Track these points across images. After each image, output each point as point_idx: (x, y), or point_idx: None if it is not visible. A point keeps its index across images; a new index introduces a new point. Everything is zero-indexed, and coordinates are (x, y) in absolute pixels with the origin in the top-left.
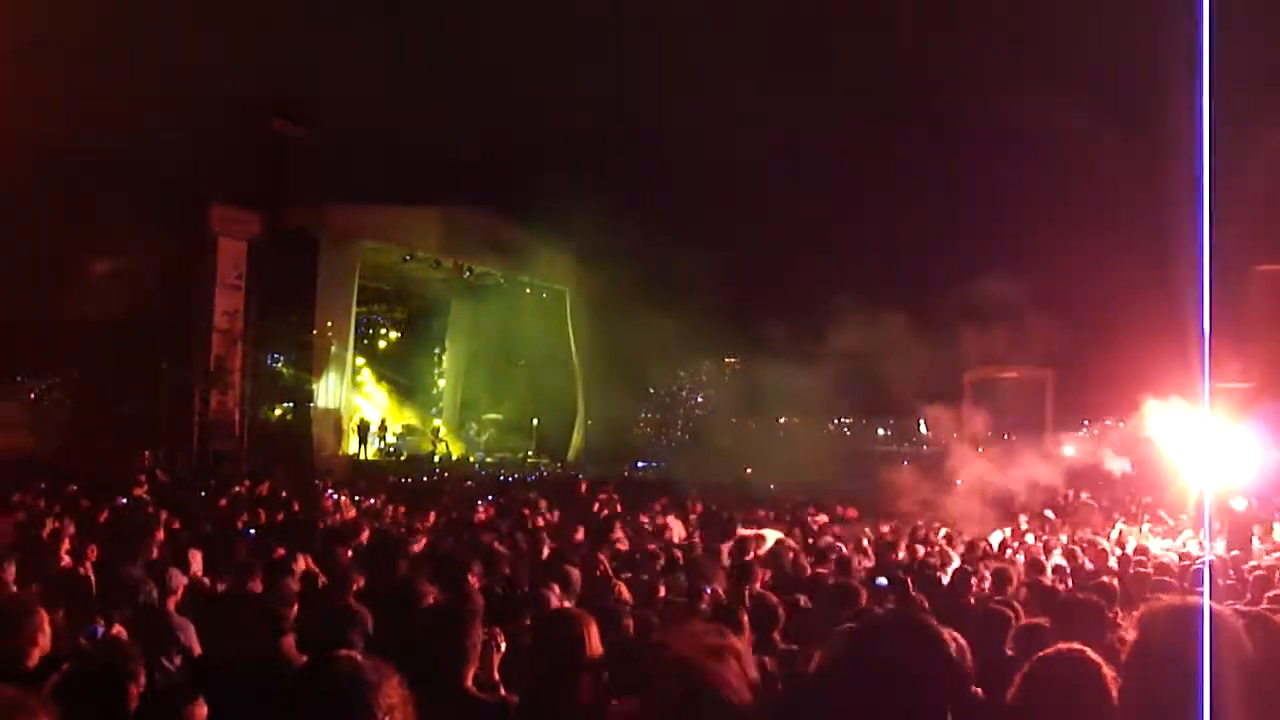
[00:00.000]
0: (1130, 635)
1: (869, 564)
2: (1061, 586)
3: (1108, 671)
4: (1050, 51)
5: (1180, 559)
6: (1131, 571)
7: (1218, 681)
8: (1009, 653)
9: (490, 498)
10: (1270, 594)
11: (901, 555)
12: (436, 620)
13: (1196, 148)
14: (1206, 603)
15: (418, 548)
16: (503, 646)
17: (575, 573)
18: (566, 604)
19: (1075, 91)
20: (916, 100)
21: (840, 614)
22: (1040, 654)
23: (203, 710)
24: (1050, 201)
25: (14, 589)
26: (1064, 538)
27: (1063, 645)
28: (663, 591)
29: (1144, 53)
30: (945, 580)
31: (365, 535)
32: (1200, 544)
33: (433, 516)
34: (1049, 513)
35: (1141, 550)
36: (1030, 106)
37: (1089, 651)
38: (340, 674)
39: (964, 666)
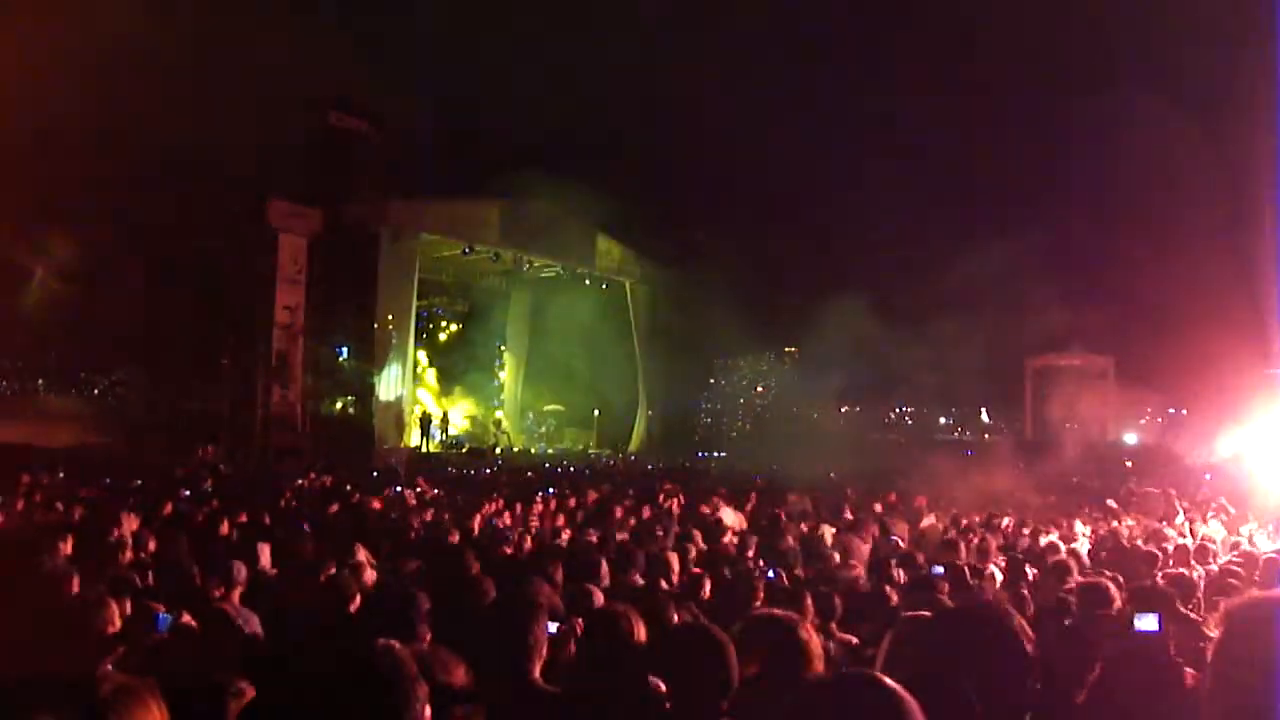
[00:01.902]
0: (1214, 632)
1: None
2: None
3: (1188, 670)
4: (1114, 34)
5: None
6: (1217, 565)
7: None
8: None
9: (549, 490)
10: None
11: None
12: (503, 613)
13: (1273, 130)
14: None
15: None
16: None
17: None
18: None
19: (1143, 75)
20: (977, 88)
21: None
22: (1118, 650)
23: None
24: (1117, 188)
25: (77, 584)
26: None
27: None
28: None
29: (1212, 33)
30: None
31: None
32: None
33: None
34: (1111, 502)
35: (1208, 540)
36: (1096, 91)
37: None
38: (378, 662)
39: (1035, 658)
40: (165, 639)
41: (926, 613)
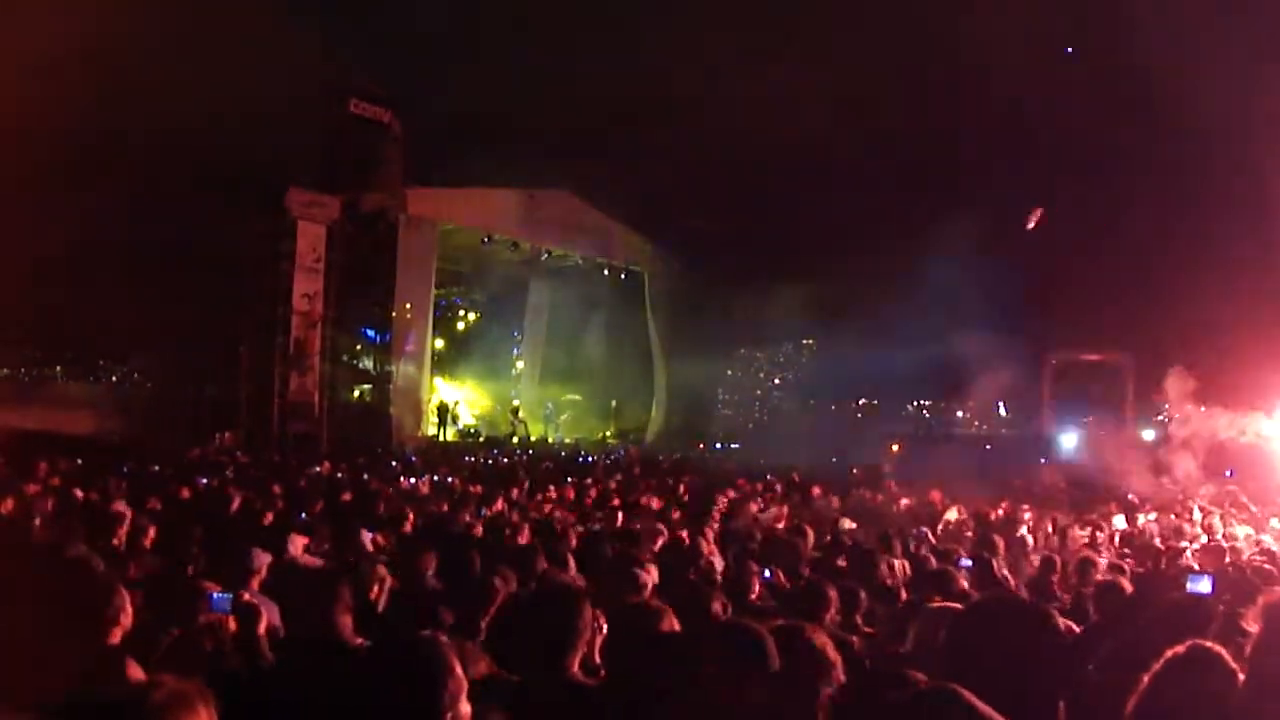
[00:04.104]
0: (1253, 628)
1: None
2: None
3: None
4: (1140, 21)
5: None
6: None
7: None
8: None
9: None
10: None
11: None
12: (544, 604)
13: None
14: None
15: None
16: (604, 629)
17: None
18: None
19: (1172, 67)
20: (998, 75)
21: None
22: (1170, 652)
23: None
24: (1142, 183)
25: (97, 570)
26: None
27: (1193, 642)
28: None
29: (1237, 27)
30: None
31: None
32: None
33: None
34: (1132, 496)
35: (1230, 538)
36: (1125, 79)
37: (1222, 650)
38: (413, 654)
39: (1072, 651)
40: (223, 619)
41: (955, 605)
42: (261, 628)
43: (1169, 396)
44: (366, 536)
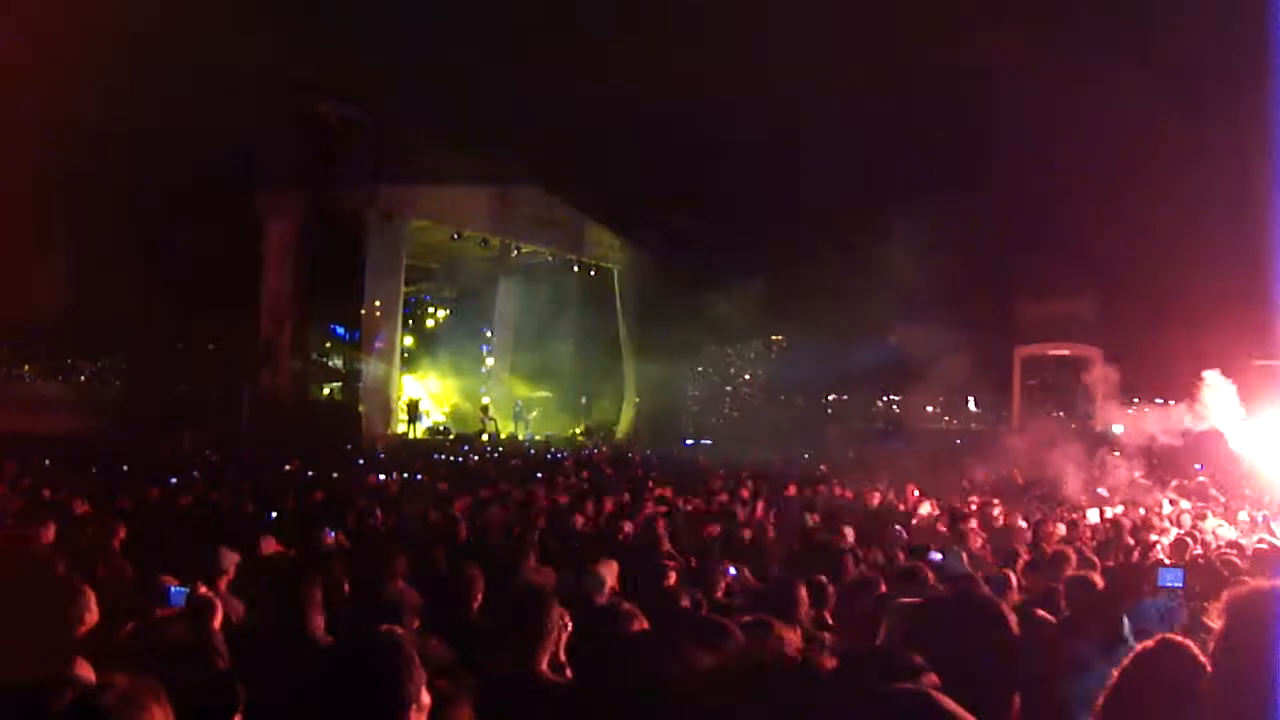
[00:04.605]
0: (1216, 623)
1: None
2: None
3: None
4: (1111, 21)
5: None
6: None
7: None
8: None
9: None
10: None
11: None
12: (513, 603)
13: (1272, 114)
14: None
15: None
16: (569, 627)
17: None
18: None
19: (1138, 64)
20: (971, 77)
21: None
22: (1140, 646)
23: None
24: (1105, 177)
25: (61, 570)
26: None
27: (1163, 636)
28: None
29: (1213, 11)
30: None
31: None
32: (1257, 523)
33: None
34: (1102, 490)
35: (1200, 530)
36: (1090, 76)
37: (1192, 644)
38: (374, 650)
39: (1023, 645)
40: (179, 612)
41: (917, 599)
42: (216, 622)
43: (1092, 390)
44: (329, 535)
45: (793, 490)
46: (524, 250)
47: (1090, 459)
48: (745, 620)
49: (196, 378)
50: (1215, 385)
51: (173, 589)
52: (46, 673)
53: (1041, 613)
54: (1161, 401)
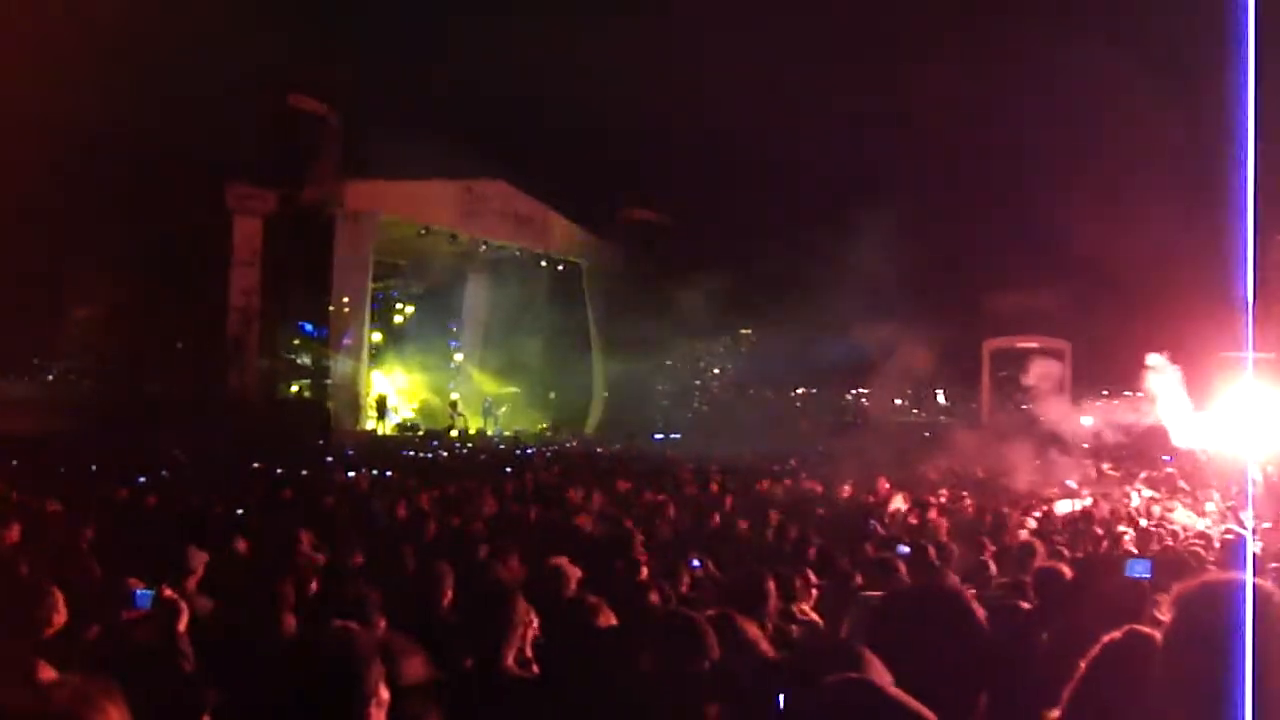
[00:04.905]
0: (1166, 615)
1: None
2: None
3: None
4: (1076, 11)
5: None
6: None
7: (1263, 664)
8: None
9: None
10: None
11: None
12: (479, 600)
13: (1238, 104)
14: (1249, 578)
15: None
16: (535, 623)
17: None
18: None
19: (1104, 48)
20: (934, 62)
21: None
22: (1108, 638)
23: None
24: (1071, 170)
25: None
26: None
27: (1130, 628)
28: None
29: (1169, 12)
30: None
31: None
32: (1225, 513)
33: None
34: (1071, 482)
35: (1166, 520)
36: (1056, 66)
37: (1158, 636)
38: (332, 645)
39: (992, 639)
40: (145, 615)
41: (880, 593)
42: (182, 625)
43: (1031, 383)
44: (304, 534)
45: (765, 485)
46: (492, 246)
47: (1044, 453)
48: (708, 614)
49: (164, 376)
50: (1159, 369)
51: (138, 592)
52: (6, 675)
53: (1010, 604)
54: (1130, 394)
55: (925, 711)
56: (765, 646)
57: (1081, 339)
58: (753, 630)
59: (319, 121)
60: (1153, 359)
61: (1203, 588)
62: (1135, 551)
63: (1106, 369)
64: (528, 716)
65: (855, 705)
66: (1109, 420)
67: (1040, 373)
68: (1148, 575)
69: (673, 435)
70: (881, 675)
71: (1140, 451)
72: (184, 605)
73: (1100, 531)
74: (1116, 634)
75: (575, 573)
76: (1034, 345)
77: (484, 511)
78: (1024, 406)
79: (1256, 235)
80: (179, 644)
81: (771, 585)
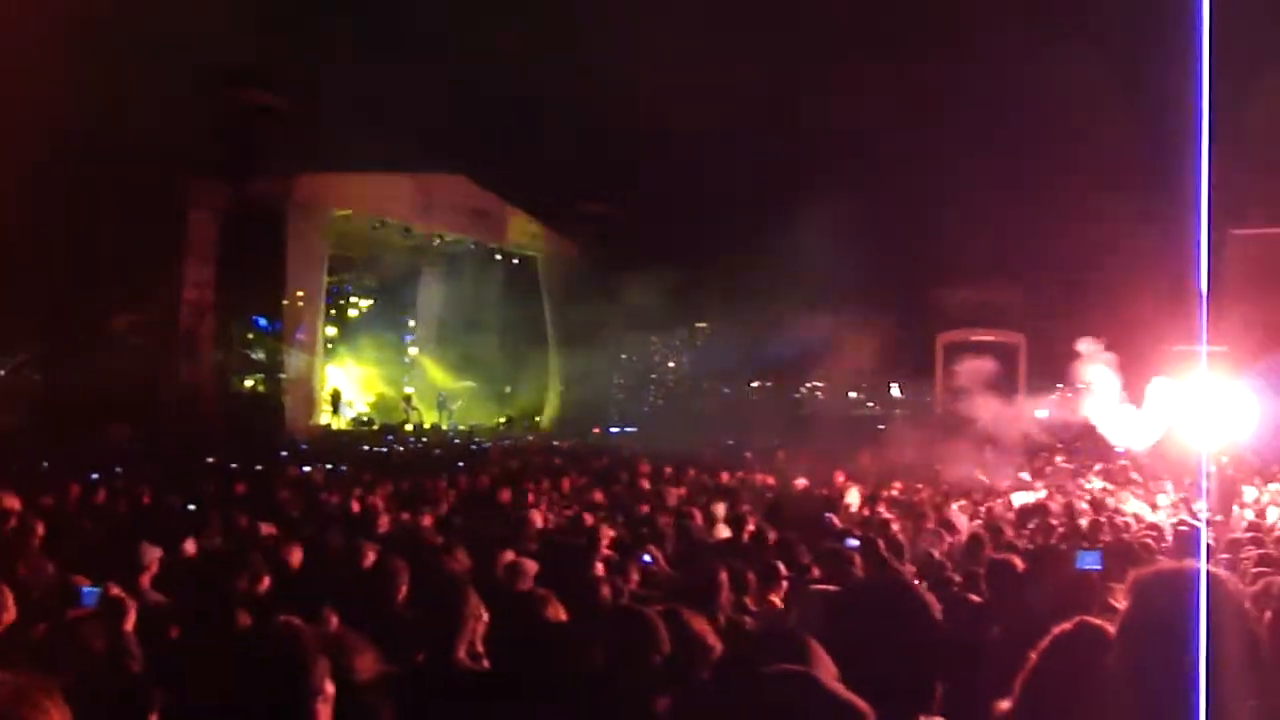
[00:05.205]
0: (1121, 604)
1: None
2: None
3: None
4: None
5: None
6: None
7: (1217, 651)
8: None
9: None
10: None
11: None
12: (430, 593)
13: (1194, 96)
14: (1203, 567)
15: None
16: (485, 616)
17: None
18: None
19: (1059, 37)
20: (886, 57)
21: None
22: (1058, 629)
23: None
24: (1027, 164)
25: None
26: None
27: (1080, 619)
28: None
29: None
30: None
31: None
32: (1178, 505)
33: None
34: (1025, 475)
35: (1119, 512)
36: (1009, 55)
37: (1109, 627)
38: (276, 641)
39: (945, 631)
40: (90, 613)
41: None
42: (129, 624)
43: (960, 379)
44: (263, 528)
45: (725, 478)
46: (446, 239)
47: (994, 446)
48: (657, 609)
49: (117, 371)
50: (1092, 355)
51: (85, 590)
52: None
53: (962, 596)
54: (1083, 386)
55: (860, 704)
56: (713, 640)
57: (1036, 332)
58: (699, 624)
59: (272, 114)
60: (1084, 345)
61: (1158, 575)
62: (1086, 543)
63: (1061, 362)
64: (479, 710)
65: (791, 697)
66: (1054, 414)
67: (979, 368)
68: (1098, 567)
69: (628, 429)
70: (826, 667)
71: (1094, 444)
72: (130, 604)
73: (1055, 523)
74: (1067, 625)
75: (532, 567)
76: (988, 338)
77: (439, 506)
78: (978, 400)
79: (1210, 229)
80: (125, 643)
81: (724, 578)
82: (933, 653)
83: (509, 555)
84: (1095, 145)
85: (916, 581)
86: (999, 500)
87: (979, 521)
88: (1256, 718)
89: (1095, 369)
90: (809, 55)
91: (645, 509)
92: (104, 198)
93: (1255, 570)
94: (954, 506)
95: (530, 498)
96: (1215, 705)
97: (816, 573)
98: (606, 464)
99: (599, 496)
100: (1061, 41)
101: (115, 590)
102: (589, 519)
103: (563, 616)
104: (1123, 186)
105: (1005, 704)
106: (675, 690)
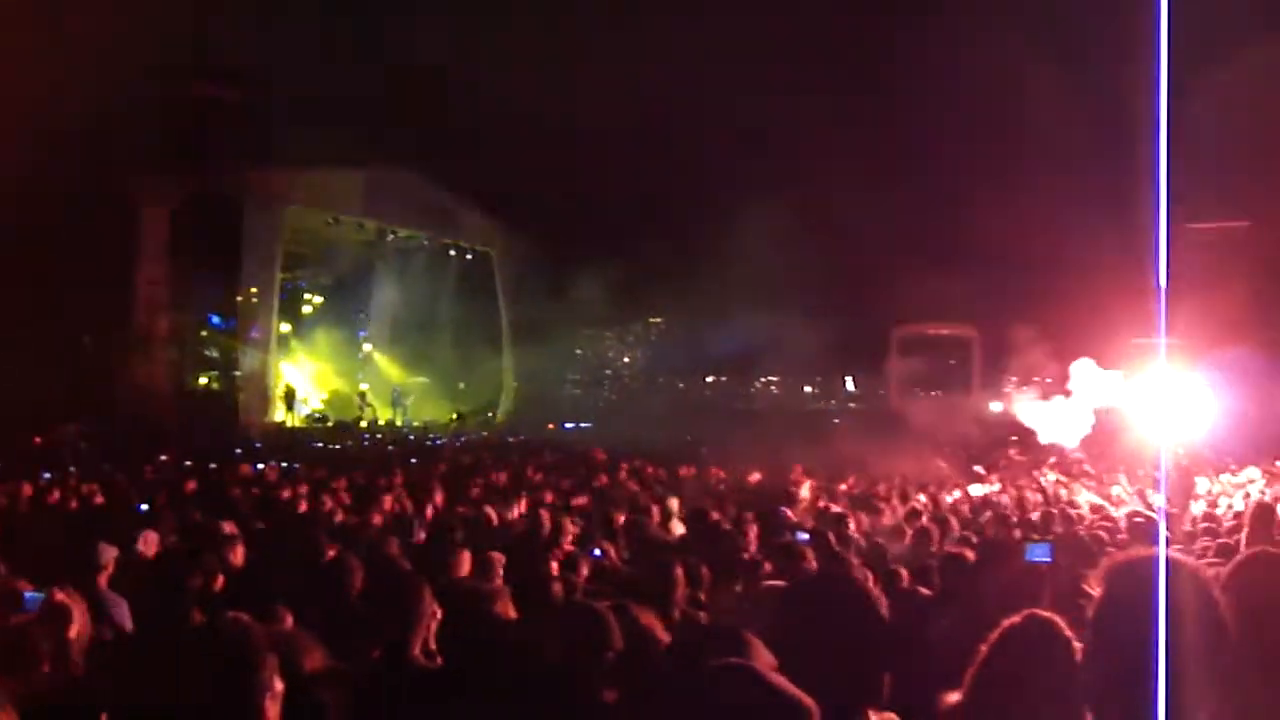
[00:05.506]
0: (1095, 591)
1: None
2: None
3: (1073, 637)
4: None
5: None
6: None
7: (1182, 636)
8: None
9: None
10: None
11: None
12: (388, 591)
13: (1150, 85)
14: (1162, 553)
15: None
16: (439, 614)
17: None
18: None
19: (1016, 40)
20: (840, 48)
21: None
22: (1007, 622)
23: None
24: (982, 156)
25: None
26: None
27: (1029, 611)
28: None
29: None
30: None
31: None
32: (1130, 496)
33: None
34: (978, 468)
35: (1073, 504)
36: (961, 44)
37: (1057, 620)
38: (225, 639)
39: (893, 625)
40: (32, 619)
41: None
42: (72, 631)
43: (888, 378)
44: (220, 526)
45: (685, 472)
46: (400, 235)
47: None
48: (605, 604)
49: (71, 369)
50: (1030, 345)
51: (27, 595)
52: None
53: (915, 590)
54: (1038, 380)
55: (800, 696)
56: (661, 634)
57: (989, 326)
58: (648, 618)
59: (225, 109)
60: (1021, 332)
61: (1130, 561)
62: (1037, 536)
63: (1014, 356)
64: (435, 707)
65: (734, 688)
66: (1007, 407)
67: (933, 361)
68: (1048, 559)
69: (583, 424)
70: (764, 660)
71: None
72: (74, 609)
73: (1010, 516)
74: (1015, 618)
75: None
76: (942, 332)
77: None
78: (932, 393)
79: (1169, 223)
80: (68, 649)
81: (680, 573)
82: (880, 646)
83: (462, 552)
84: (1052, 139)
85: (867, 575)
86: (953, 493)
87: (929, 515)
88: (1221, 700)
89: (1040, 361)
90: (760, 48)
91: (598, 504)
92: (56, 195)
93: (1210, 560)
94: (909, 500)
95: (477, 492)
96: (1181, 690)
97: (768, 567)
98: (561, 459)
99: (550, 497)
100: (1018, 34)
101: (60, 595)
102: (545, 516)
103: (512, 614)
104: (1081, 180)
105: (954, 696)
106: (623, 685)
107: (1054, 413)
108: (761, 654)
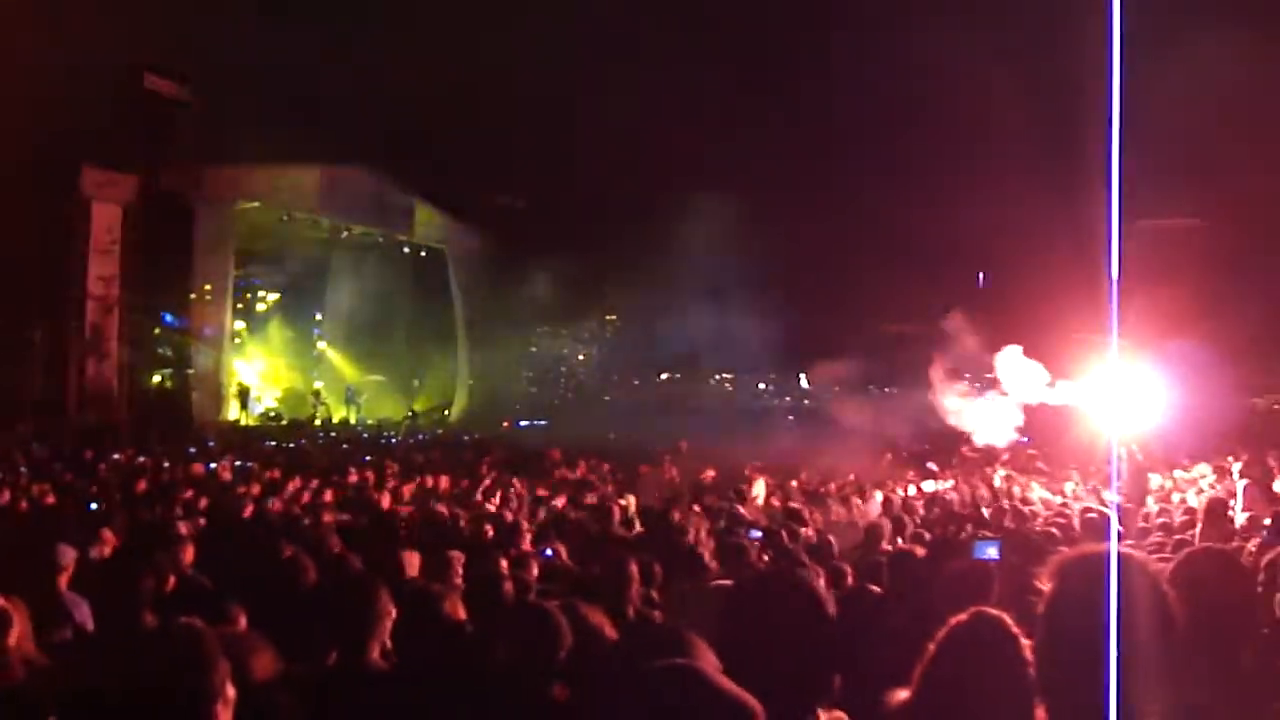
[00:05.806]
0: (1045, 587)
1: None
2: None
3: (1021, 636)
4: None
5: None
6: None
7: (1133, 629)
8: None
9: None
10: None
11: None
12: (344, 593)
13: (1100, 75)
14: (1114, 549)
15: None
16: (393, 614)
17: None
18: None
19: (969, 37)
20: (797, 48)
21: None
22: (953, 621)
23: None
24: (933, 154)
25: None
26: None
27: (976, 609)
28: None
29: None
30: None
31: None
32: (1084, 491)
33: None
34: (932, 465)
35: (1026, 501)
36: (915, 31)
37: (1005, 617)
38: (176, 643)
39: (841, 623)
40: None
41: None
42: (13, 638)
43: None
44: (175, 526)
45: (644, 470)
46: (354, 232)
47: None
48: (555, 603)
49: (21, 368)
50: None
51: None
52: None
53: (864, 587)
54: (991, 376)
55: (744, 696)
56: (609, 632)
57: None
58: (596, 617)
59: (176, 104)
60: (950, 321)
61: (1080, 557)
62: (988, 533)
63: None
64: (393, 709)
65: (677, 689)
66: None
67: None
68: (996, 556)
69: (538, 422)
70: (708, 660)
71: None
72: (16, 614)
73: (961, 512)
74: (963, 616)
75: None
76: (902, 329)
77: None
78: (886, 390)
79: (1120, 220)
80: (8, 656)
81: (634, 571)
82: (828, 645)
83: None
84: (1005, 136)
85: (817, 572)
86: (905, 490)
87: (880, 511)
88: (1171, 691)
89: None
90: (709, 45)
91: (555, 502)
92: (4, 190)
93: (1163, 556)
94: (862, 496)
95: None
96: (1132, 683)
97: (716, 566)
98: (515, 457)
99: (497, 499)
100: (971, 30)
101: (2, 601)
102: (508, 515)
103: (461, 614)
104: (1031, 177)
105: (903, 694)
106: (571, 684)
107: (982, 409)
108: (705, 654)
